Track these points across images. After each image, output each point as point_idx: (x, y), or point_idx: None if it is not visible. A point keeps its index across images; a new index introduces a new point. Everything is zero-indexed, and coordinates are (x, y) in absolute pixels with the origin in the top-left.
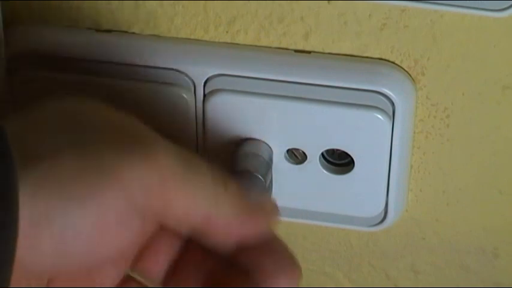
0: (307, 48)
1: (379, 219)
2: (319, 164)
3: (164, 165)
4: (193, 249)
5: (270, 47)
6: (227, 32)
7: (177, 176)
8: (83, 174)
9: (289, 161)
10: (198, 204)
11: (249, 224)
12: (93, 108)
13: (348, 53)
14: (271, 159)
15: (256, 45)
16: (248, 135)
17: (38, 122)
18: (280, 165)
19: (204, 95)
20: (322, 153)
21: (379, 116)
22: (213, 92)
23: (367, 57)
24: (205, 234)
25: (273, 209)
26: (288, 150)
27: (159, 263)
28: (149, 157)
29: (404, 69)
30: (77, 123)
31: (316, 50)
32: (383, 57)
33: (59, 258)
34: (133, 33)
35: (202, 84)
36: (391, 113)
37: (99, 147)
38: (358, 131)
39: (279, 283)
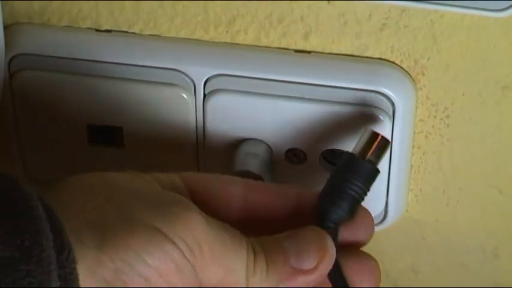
0: (307, 48)
1: (379, 219)
2: (319, 164)
3: (197, 228)
4: None
5: (270, 47)
6: (227, 32)
7: (212, 243)
8: (132, 230)
9: (289, 161)
10: (232, 279)
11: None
12: (125, 179)
13: (348, 53)
14: (271, 159)
15: (256, 45)
16: (248, 135)
17: (80, 200)
18: (280, 165)
19: (204, 95)
20: (322, 153)
21: (379, 116)
22: (213, 92)
23: (367, 57)
24: None
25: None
26: (287, 150)
27: None
28: (182, 218)
29: (404, 69)
30: (117, 193)
31: (316, 50)
32: (383, 57)
33: None
34: (134, 33)
35: (202, 84)
36: (391, 113)
37: (143, 214)
38: (358, 131)
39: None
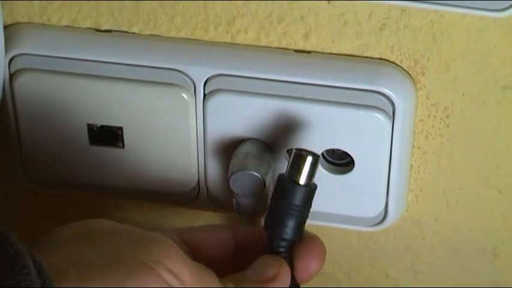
0: (307, 48)
1: (379, 219)
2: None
3: (174, 252)
4: None
5: (270, 47)
6: (227, 32)
7: (190, 272)
8: (111, 265)
9: None
10: None
11: None
12: (108, 222)
13: (348, 53)
14: (271, 159)
15: (256, 45)
16: (248, 135)
17: (61, 247)
18: (281, 165)
19: (204, 95)
20: (322, 153)
21: (379, 116)
22: (213, 92)
23: (367, 57)
24: None
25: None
26: (288, 150)
27: None
28: (160, 244)
29: (404, 69)
30: (93, 235)
31: (316, 50)
32: (383, 57)
33: None
34: (134, 33)
35: (202, 84)
36: (391, 113)
37: (114, 246)
38: (358, 131)
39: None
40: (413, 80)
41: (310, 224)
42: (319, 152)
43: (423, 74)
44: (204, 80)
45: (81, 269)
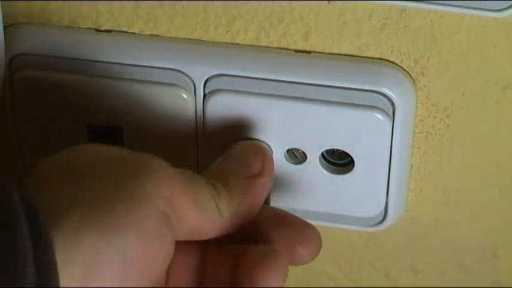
0: (307, 48)
1: (379, 219)
2: (319, 164)
3: (172, 179)
4: (209, 249)
5: (270, 47)
6: (227, 32)
7: (183, 191)
8: (112, 205)
9: (289, 161)
10: (208, 214)
11: (248, 212)
12: (94, 149)
13: (348, 53)
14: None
15: (256, 45)
16: (248, 135)
17: (52, 176)
18: (280, 165)
19: (204, 95)
20: (322, 153)
21: (379, 116)
22: (213, 92)
23: (367, 57)
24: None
25: (264, 172)
26: (288, 150)
27: (186, 276)
28: (159, 174)
29: (404, 69)
30: (86, 165)
31: (316, 50)
32: (383, 57)
33: (122, 284)
34: (134, 33)
35: (202, 84)
36: (391, 113)
37: (115, 179)
38: (358, 131)
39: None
40: (413, 80)
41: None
42: (319, 152)
43: (423, 74)
44: (204, 80)
45: (82, 208)
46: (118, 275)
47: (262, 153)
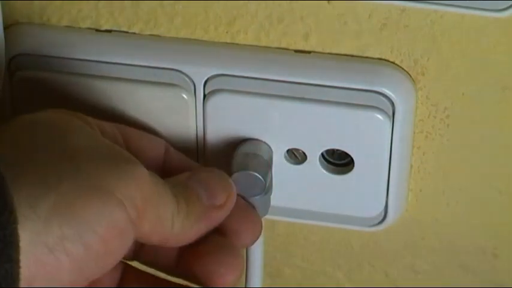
0: (307, 48)
1: (379, 219)
2: (319, 164)
3: (144, 184)
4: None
5: (270, 47)
6: (227, 32)
7: (151, 202)
8: (85, 197)
9: (289, 161)
10: (161, 225)
11: (194, 235)
12: (87, 133)
13: (348, 53)
14: (271, 159)
15: (256, 45)
16: (248, 135)
17: (27, 149)
18: (280, 165)
19: (204, 95)
20: (322, 153)
21: (379, 116)
22: (213, 92)
23: (367, 57)
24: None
25: (224, 191)
26: (288, 150)
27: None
28: (134, 176)
29: (404, 69)
30: (76, 149)
31: (316, 50)
32: (383, 57)
33: (76, 276)
34: (134, 33)
35: (202, 84)
36: (391, 113)
37: (92, 171)
38: (358, 131)
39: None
40: (413, 80)
41: (311, 224)
42: (319, 152)
43: (423, 74)
44: (204, 80)
45: (56, 196)
46: (75, 264)
47: (230, 188)
